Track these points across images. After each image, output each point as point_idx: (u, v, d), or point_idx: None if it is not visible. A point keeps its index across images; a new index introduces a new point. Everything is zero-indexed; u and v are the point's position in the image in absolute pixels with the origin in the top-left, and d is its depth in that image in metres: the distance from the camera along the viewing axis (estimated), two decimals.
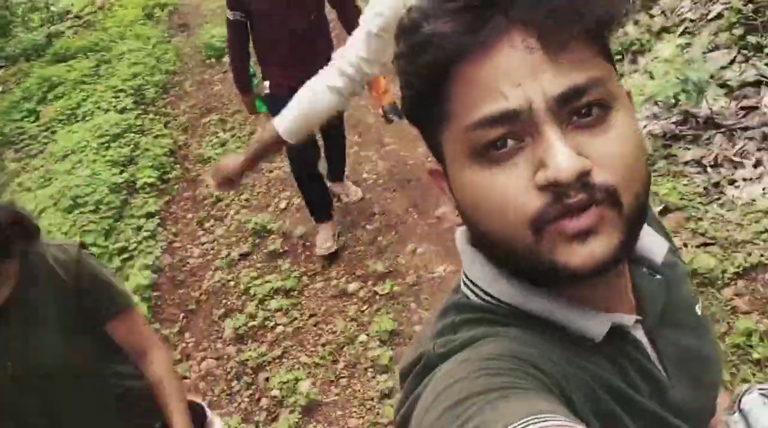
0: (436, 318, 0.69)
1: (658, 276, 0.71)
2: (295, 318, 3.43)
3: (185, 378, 3.32)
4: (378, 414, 2.73)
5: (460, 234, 0.70)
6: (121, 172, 5.05)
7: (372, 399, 2.80)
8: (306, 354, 3.18)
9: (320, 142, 3.84)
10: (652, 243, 0.72)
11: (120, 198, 4.73)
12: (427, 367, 0.62)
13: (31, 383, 1.49)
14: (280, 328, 3.40)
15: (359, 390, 2.89)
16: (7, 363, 1.47)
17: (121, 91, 6.49)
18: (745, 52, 3.57)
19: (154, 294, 3.90)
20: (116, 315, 1.57)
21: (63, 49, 8.04)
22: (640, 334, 0.68)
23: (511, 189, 0.56)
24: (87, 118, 6.13)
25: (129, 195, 4.85)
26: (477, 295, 0.67)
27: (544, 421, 0.48)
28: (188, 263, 4.20)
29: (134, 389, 1.67)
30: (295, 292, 3.60)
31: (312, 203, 3.74)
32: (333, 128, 3.73)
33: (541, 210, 0.56)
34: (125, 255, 4.19)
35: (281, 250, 3.97)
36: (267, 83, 3.42)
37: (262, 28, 3.30)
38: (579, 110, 0.56)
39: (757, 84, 3.43)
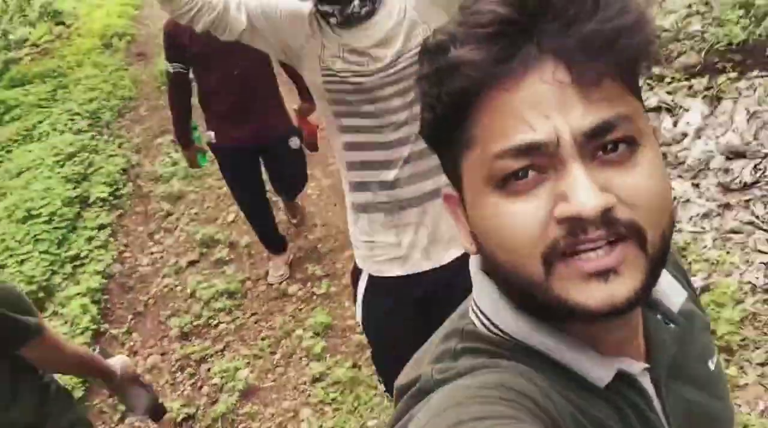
0: (439, 340, 0.68)
1: (672, 326, 0.69)
2: (238, 317, 3.68)
3: None
4: (309, 395, 3.00)
5: (474, 260, 0.69)
6: (75, 187, 5.24)
7: (305, 383, 3.07)
8: (246, 347, 3.42)
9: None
10: (669, 290, 0.70)
11: (73, 211, 4.92)
12: (422, 391, 0.62)
13: None
14: (223, 326, 3.64)
15: (293, 377, 3.15)
16: None
17: (77, 114, 6.69)
18: (650, 81, 4.02)
19: (104, 297, 4.10)
20: (35, 335, 1.59)
21: (20, 74, 8.21)
22: (647, 382, 0.66)
23: (528, 219, 0.55)
24: (42, 139, 6.31)
25: (82, 209, 5.05)
26: (483, 324, 0.66)
27: None
28: (138, 270, 4.41)
29: None
30: (239, 295, 3.85)
31: (264, 240, 3.90)
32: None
33: (555, 242, 0.55)
34: (77, 263, 4.39)
35: (227, 258, 4.22)
36: (212, 133, 3.41)
37: (203, 76, 3.25)
38: (605, 146, 0.55)
39: (657, 109, 3.87)
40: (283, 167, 3.69)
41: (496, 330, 0.64)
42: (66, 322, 3.74)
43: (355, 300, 1.98)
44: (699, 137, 3.56)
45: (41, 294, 4.07)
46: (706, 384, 0.71)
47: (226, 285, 3.91)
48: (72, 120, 6.57)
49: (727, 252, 2.94)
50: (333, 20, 1.64)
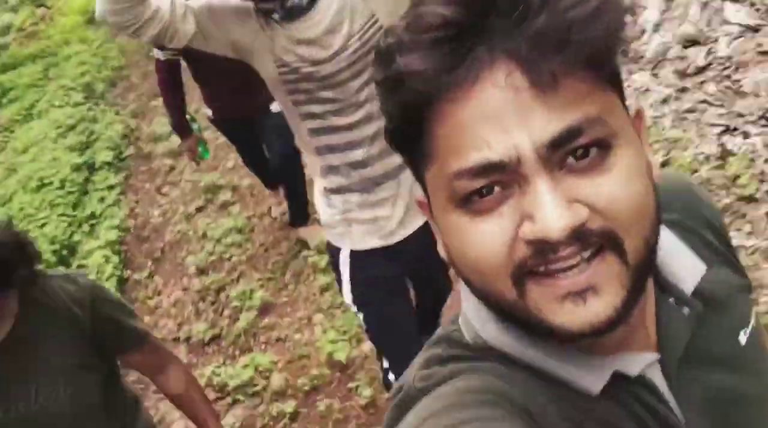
0: (427, 346, 0.66)
1: (686, 310, 0.63)
2: (248, 249, 3.98)
3: (156, 308, 3.85)
4: (320, 303, 3.31)
5: None
6: (80, 154, 5.52)
7: (314, 294, 3.38)
8: (259, 273, 3.73)
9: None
10: (684, 269, 0.65)
11: (82, 176, 5.21)
12: (405, 401, 0.60)
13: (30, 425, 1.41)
14: (235, 258, 3.95)
15: (304, 290, 3.47)
16: (9, 406, 1.38)
17: (72, 88, 6.92)
18: None
19: (123, 248, 4.41)
20: (134, 346, 1.55)
21: (11, 59, 8.42)
22: (656, 374, 0.61)
23: (494, 239, 0.51)
24: (42, 116, 6.56)
25: (90, 173, 5.33)
26: (470, 334, 0.63)
27: None
28: (150, 222, 4.71)
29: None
30: (247, 230, 4.15)
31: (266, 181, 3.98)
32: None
33: (523, 262, 0.51)
34: (93, 221, 4.69)
35: (232, 201, 4.51)
36: (209, 111, 3.40)
37: (199, 57, 2.81)
38: (574, 152, 0.50)
39: None
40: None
41: (481, 342, 0.62)
42: (91, 272, 4.05)
43: (340, 284, 1.98)
44: (657, 31, 3.78)
45: (65, 253, 4.38)
46: (733, 363, 0.65)
47: (233, 223, 4.20)
48: (67, 95, 6.80)
49: (684, 131, 3.20)
50: (276, 15, 1.63)
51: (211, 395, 3.03)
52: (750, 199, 2.79)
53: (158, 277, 4.15)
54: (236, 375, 3.04)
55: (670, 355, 0.61)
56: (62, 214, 4.68)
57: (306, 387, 2.88)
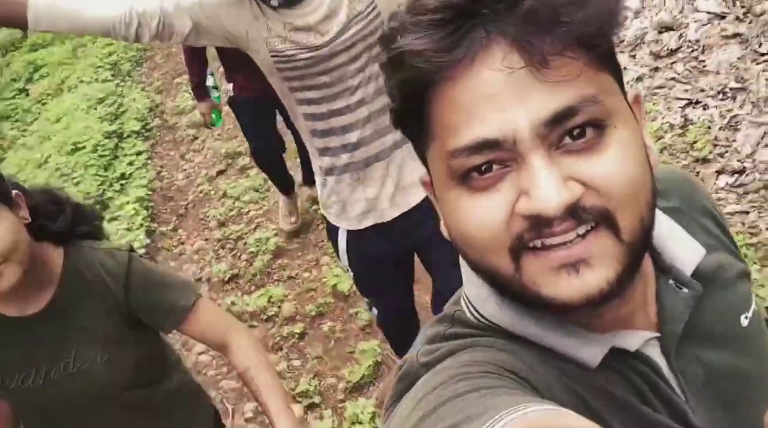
0: (431, 324, 0.68)
1: (685, 291, 0.65)
2: (264, 205, 4.43)
3: (181, 255, 4.30)
4: (327, 248, 3.75)
5: None
6: (110, 124, 5.98)
7: (323, 241, 3.82)
8: (273, 224, 4.17)
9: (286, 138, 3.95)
10: (684, 252, 0.67)
11: (112, 142, 5.67)
12: (409, 374, 0.62)
13: (61, 390, 1.42)
14: (252, 212, 4.40)
15: (313, 238, 3.91)
16: (42, 369, 1.40)
17: (100, 67, 7.40)
18: None
19: (150, 205, 4.87)
20: (180, 318, 1.46)
21: (39, 39, 8.89)
22: (655, 352, 0.63)
23: (491, 215, 0.53)
24: (72, 90, 7.03)
25: (119, 141, 5.79)
26: (470, 312, 0.65)
27: (528, 407, 0.47)
28: (175, 184, 5.17)
29: (170, 401, 1.60)
30: (263, 189, 4.59)
31: (275, 181, 3.99)
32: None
33: (519, 236, 0.53)
34: (123, 181, 5.15)
35: (250, 165, 4.95)
36: (230, 86, 3.49)
37: None
38: (570, 131, 0.51)
39: None
40: None
41: (482, 319, 0.64)
42: (123, 223, 4.50)
43: (337, 252, 2.10)
44: (636, 18, 4.21)
45: (97, 207, 4.83)
46: (734, 343, 0.67)
47: (251, 183, 4.65)
48: (96, 72, 7.27)
49: (654, 104, 3.62)
50: (273, 2, 1.64)
51: None
52: (704, 160, 3.22)
53: (182, 231, 4.60)
54: (252, 303, 3.48)
55: (670, 334, 0.63)
56: (95, 174, 5.14)
57: (312, 313, 3.33)
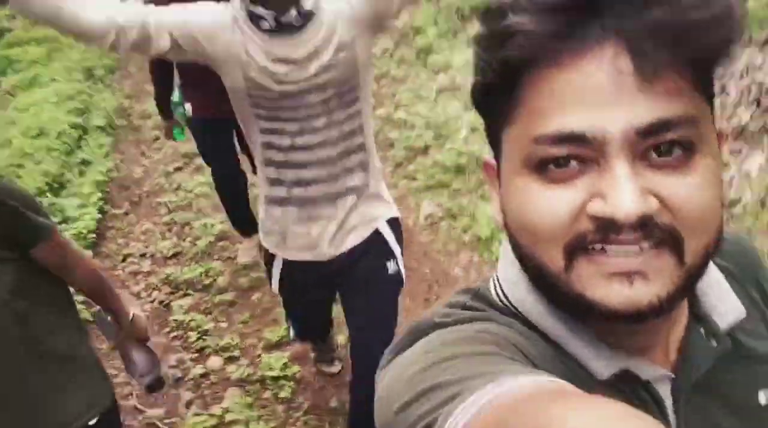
0: (455, 293, 0.68)
1: (713, 343, 0.63)
2: (215, 199, 4.73)
3: (129, 234, 4.60)
4: None
5: None
6: (77, 117, 6.28)
7: None
8: (222, 215, 4.51)
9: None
10: (724, 306, 0.65)
11: (77, 133, 5.97)
12: (420, 329, 0.62)
13: None
14: (203, 203, 4.75)
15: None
16: None
17: (74, 70, 7.71)
18: None
19: (106, 190, 5.17)
20: (37, 240, 1.52)
21: (16, 39, 9.17)
22: (664, 390, 0.61)
23: (559, 206, 0.53)
24: (44, 86, 7.31)
25: (84, 133, 6.09)
26: (497, 293, 0.66)
27: (538, 374, 0.48)
28: (133, 176, 5.49)
29: (61, 362, 1.60)
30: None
31: (234, 220, 3.83)
32: None
33: (582, 235, 0.53)
34: (83, 167, 5.44)
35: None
36: (189, 106, 3.39)
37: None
38: (659, 147, 0.51)
39: None
40: None
41: (506, 302, 0.64)
42: (79, 198, 4.78)
43: (269, 277, 2.17)
44: None
45: (56, 186, 5.10)
46: (749, 417, 0.64)
47: (206, 179, 4.98)
48: (69, 74, 7.58)
49: None
50: (265, 25, 1.65)
51: (167, 289, 3.80)
52: None
53: (133, 215, 4.91)
54: (188, 273, 3.81)
55: (685, 377, 0.62)
56: (57, 157, 5.42)
57: (245, 286, 3.67)
